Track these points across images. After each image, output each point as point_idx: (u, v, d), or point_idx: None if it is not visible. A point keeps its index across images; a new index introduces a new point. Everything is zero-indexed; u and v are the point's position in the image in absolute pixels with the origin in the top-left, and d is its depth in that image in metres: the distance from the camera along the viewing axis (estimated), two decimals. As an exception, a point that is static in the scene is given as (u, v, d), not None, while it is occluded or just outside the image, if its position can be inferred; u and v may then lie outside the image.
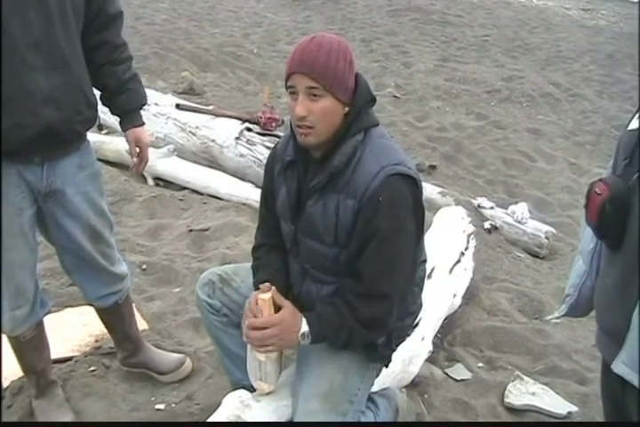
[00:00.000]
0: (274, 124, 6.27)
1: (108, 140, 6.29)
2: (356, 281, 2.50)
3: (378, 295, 2.49)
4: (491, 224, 5.63)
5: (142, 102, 3.13)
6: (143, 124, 3.16)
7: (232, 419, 2.55)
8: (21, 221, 2.76)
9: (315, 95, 2.36)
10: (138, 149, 3.17)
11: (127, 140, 3.17)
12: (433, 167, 7.08)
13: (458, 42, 12.74)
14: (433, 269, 3.87)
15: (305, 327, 2.49)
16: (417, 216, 2.50)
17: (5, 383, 3.36)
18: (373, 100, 2.54)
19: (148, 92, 6.46)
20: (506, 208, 5.86)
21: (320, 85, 2.35)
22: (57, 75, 2.64)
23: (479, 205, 5.74)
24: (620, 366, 1.99)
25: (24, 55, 2.54)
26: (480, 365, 3.94)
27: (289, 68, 2.40)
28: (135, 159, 3.20)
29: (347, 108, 2.44)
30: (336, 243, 2.50)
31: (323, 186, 2.48)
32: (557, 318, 2.51)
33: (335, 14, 14.20)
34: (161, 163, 5.95)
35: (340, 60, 2.37)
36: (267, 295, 2.53)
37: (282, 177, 2.65)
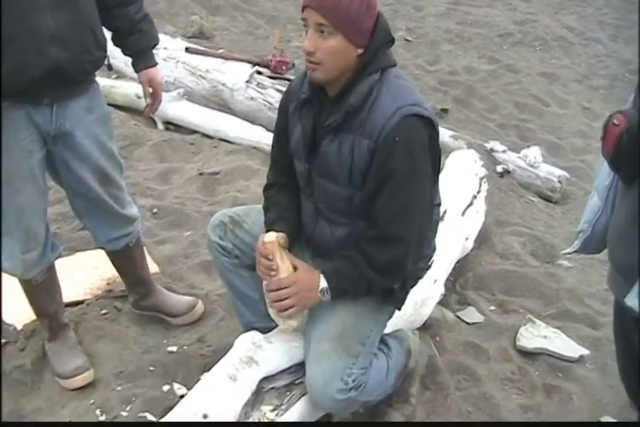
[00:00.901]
0: (284, 68, 6.20)
1: (117, 85, 6.23)
2: (371, 225, 2.48)
3: (393, 238, 2.47)
4: (503, 168, 5.59)
5: (154, 42, 3.10)
6: (156, 64, 3.13)
7: (245, 360, 2.55)
8: (31, 163, 2.75)
9: (323, 32, 2.32)
10: (151, 90, 3.14)
11: (140, 81, 3.14)
12: (445, 111, 7.02)
13: (470, -15, 12.47)
14: (445, 212, 3.85)
15: (323, 283, 2.48)
16: (433, 158, 2.47)
17: (19, 326, 3.38)
18: (392, 40, 2.48)
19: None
20: (518, 152, 5.80)
21: (329, 23, 2.30)
22: (64, 13, 2.60)
23: (491, 149, 5.69)
24: (632, 299, 1.98)
25: None
26: (492, 308, 3.95)
27: (303, 0, 2.34)
28: (148, 99, 3.18)
29: (360, 50, 2.38)
30: (350, 183, 2.47)
31: (338, 125, 2.44)
32: (570, 253, 2.50)
33: (346, -44, 13.88)
34: (171, 107, 5.90)
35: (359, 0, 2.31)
36: (272, 237, 2.52)
37: (297, 115, 2.61)
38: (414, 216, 2.47)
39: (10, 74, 2.55)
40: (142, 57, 3.09)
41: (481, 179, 4.64)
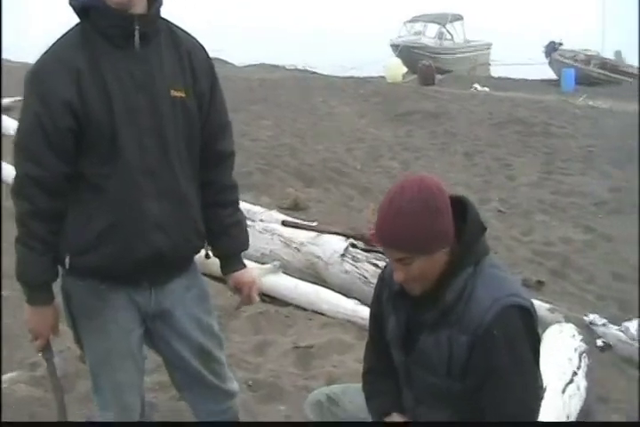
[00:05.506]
0: (378, 241, 6.27)
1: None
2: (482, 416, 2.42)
3: None
4: (603, 342, 5.43)
5: (242, 248, 3.11)
6: (243, 267, 3.12)
7: None
8: (130, 341, 2.83)
9: (406, 262, 2.36)
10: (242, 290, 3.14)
11: (228, 284, 3.17)
12: (540, 283, 6.90)
13: (561, 153, 12.60)
14: (544, 390, 3.73)
15: None
16: (533, 344, 2.44)
17: None
18: (484, 229, 2.50)
19: (254, 208, 6.66)
20: (619, 325, 5.65)
21: (408, 254, 2.34)
22: (169, 202, 2.71)
23: (591, 322, 5.56)
24: None
25: (138, 181, 2.63)
26: None
27: (375, 238, 2.41)
28: (241, 297, 3.19)
29: (447, 248, 2.40)
30: (449, 375, 2.44)
31: (434, 321, 2.44)
32: None
33: (437, 129, 14.33)
34: (266, 279, 5.97)
35: (423, 221, 2.30)
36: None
37: (390, 306, 2.63)
38: (525, 412, 2.43)
39: (112, 257, 2.66)
40: (228, 261, 3.09)
41: (581, 354, 4.52)
